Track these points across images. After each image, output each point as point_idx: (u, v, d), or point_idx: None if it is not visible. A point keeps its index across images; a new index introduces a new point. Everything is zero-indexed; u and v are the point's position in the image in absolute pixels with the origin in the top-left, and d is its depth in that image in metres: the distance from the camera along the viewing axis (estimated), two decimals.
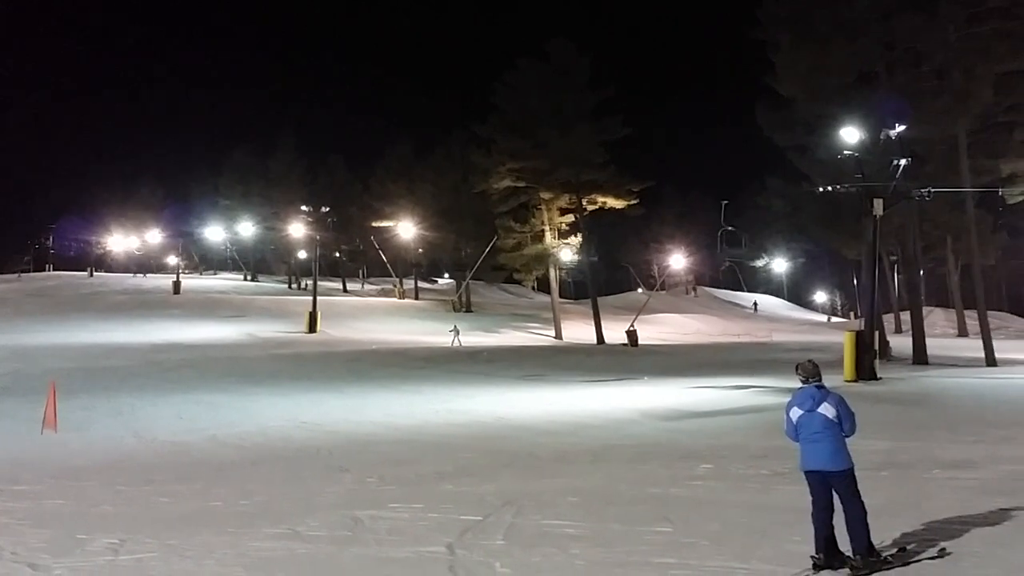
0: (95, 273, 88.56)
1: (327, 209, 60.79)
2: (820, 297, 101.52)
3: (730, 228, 48.67)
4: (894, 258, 58.64)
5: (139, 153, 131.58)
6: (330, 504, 12.15)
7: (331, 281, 79.55)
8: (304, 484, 14.08)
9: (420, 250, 74.58)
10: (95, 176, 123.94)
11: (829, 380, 8.44)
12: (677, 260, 79.35)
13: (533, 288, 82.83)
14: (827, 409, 7.96)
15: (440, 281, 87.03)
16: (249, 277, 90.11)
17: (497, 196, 56.11)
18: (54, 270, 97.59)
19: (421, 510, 11.40)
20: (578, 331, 53.65)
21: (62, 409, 21.41)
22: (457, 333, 45.08)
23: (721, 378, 30.37)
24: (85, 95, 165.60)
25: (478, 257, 66.04)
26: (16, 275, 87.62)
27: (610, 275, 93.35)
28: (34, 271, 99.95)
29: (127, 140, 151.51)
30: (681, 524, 10.18)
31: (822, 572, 7.76)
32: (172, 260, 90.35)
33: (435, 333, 51.83)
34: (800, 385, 8.20)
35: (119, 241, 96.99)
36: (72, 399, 23.90)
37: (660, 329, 58.62)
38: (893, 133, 31.34)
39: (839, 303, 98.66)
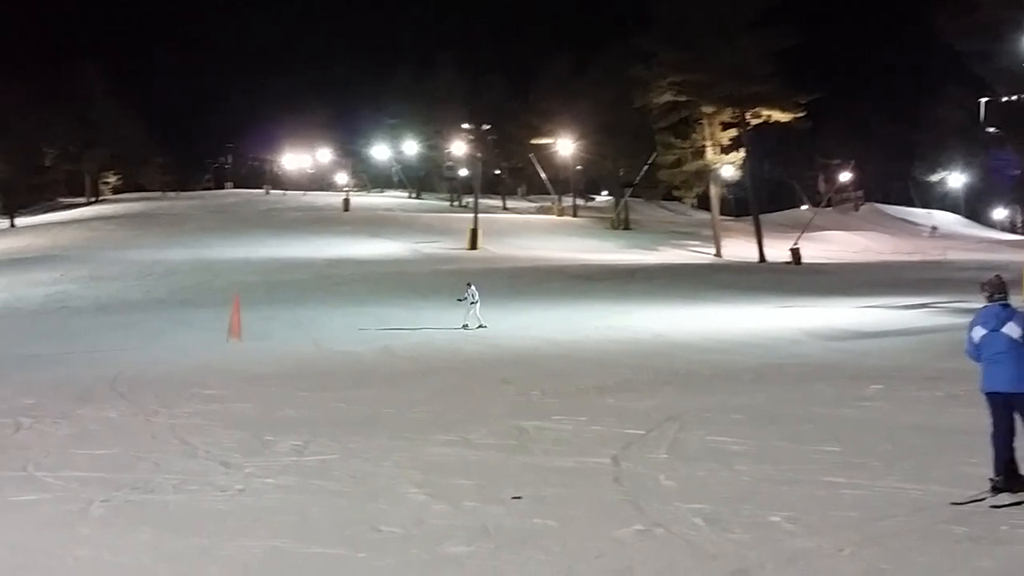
0: (271, 191, 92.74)
1: (487, 127, 61.17)
2: (999, 214, 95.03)
3: (993, 129, 45.30)
4: None
5: (308, 72, 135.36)
6: (496, 414, 12.58)
7: (491, 198, 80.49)
8: (471, 395, 14.61)
9: (579, 167, 74.25)
10: (269, 96, 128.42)
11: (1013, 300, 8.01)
12: (845, 175, 75.90)
13: (693, 205, 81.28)
14: (1012, 329, 7.55)
15: (598, 198, 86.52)
16: (413, 195, 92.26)
17: (657, 111, 54.93)
18: (235, 188, 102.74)
19: (584, 423, 11.65)
20: (739, 249, 52.49)
21: (245, 320, 22.86)
22: (473, 302, 25.18)
23: (891, 298, 29.22)
24: (258, 15, 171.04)
25: (637, 174, 65.18)
26: (200, 192, 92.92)
27: (773, 191, 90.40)
28: (214, 188, 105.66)
29: (297, 60, 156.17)
30: (850, 444, 10.01)
31: (1000, 495, 7.50)
32: (341, 178, 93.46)
33: (593, 250, 51.90)
34: (984, 303, 7.82)
35: (292, 159, 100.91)
36: (253, 310, 25.38)
37: (826, 247, 56.59)
38: None
39: (1021, 220, 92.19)
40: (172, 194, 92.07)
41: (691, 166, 55.92)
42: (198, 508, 8.52)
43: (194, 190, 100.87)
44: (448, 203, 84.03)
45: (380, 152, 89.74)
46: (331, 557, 6.93)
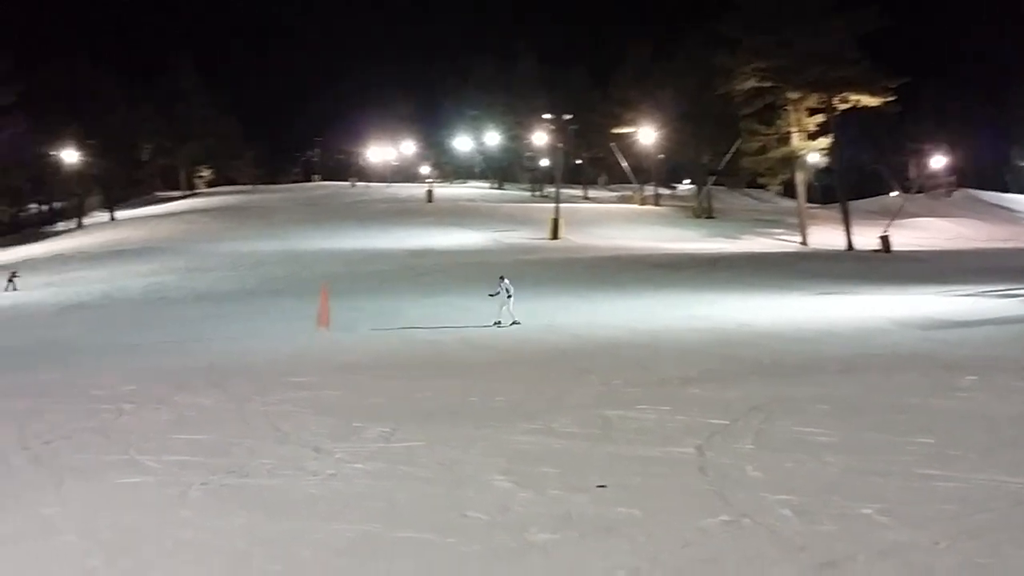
0: (356, 183, 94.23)
1: (568, 117, 61.03)
2: None
3: None
4: None
5: (393, 66, 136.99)
6: (579, 404, 12.63)
7: (572, 188, 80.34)
8: (553, 384, 14.67)
9: (660, 155, 73.55)
10: (355, 90, 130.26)
11: None
12: (937, 160, 73.47)
13: (778, 193, 79.74)
14: None
15: (680, 187, 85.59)
16: (495, 186, 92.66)
17: (741, 97, 53.99)
18: (322, 180, 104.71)
19: (668, 412, 11.62)
20: (826, 237, 51.38)
21: (333, 309, 23.34)
22: (509, 296, 23.44)
23: (986, 285, 28.25)
24: (344, 10, 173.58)
25: (720, 161, 64.25)
26: (287, 185, 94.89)
27: (861, 177, 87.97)
28: (302, 181, 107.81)
29: (382, 55, 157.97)
30: (945, 435, 9.78)
31: None
32: (425, 170, 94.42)
33: (676, 239, 51.41)
34: None
35: (377, 152, 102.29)
36: (341, 300, 25.86)
37: (916, 234, 54.98)
38: None
39: None
40: (262, 187, 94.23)
41: (776, 153, 54.84)
42: (291, 492, 8.79)
43: (283, 183, 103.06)
44: (529, 193, 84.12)
45: (462, 143, 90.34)
46: (420, 542, 7.08)
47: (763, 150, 55.87)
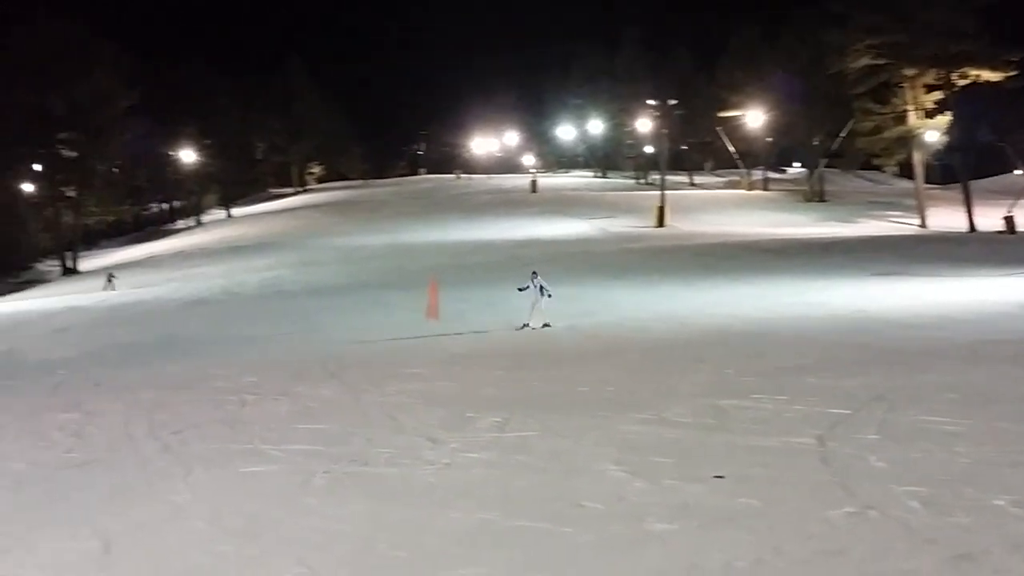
0: (461, 175, 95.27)
1: (673, 102, 60.25)
2: None
3: None
4: None
5: (496, 58, 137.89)
6: (691, 393, 12.48)
7: (678, 175, 79.36)
8: (664, 373, 14.54)
9: (769, 139, 71.94)
10: (459, 83, 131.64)
11: None
12: None
13: (894, 174, 77.05)
14: None
15: (790, 170, 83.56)
16: (599, 174, 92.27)
17: (853, 76, 52.31)
18: (428, 173, 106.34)
19: (785, 402, 11.37)
20: (946, 219, 49.39)
21: (441, 300, 23.62)
22: (543, 295, 21.57)
23: None
24: (445, 4, 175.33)
25: (832, 143, 62.43)
26: (395, 179, 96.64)
27: (984, 156, 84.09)
28: (409, 175, 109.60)
29: (485, 47, 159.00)
30: None
31: None
32: (528, 160, 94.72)
33: (786, 224, 50.24)
34: None
35: (481, 144, 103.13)
36: (449, 291, 26.16)
37: None
38: None
39: None
40: (372, 182, 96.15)
41: (892, 132, 52.96)
42: (410, 481, 8.96)
43: (390, 177, 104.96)
44: (634, 181, 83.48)
45: (565, 132, 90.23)
46: (537, 531, 7.13)
47: (878, 130, 54.05)
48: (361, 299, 28.95)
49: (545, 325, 21.04)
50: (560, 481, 8.46)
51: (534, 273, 21.80)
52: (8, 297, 43.70)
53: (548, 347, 18.64)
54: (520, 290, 21.75)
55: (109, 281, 38.43)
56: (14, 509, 9.42)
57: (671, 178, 65.64)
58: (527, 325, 21.02)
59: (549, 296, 21.33)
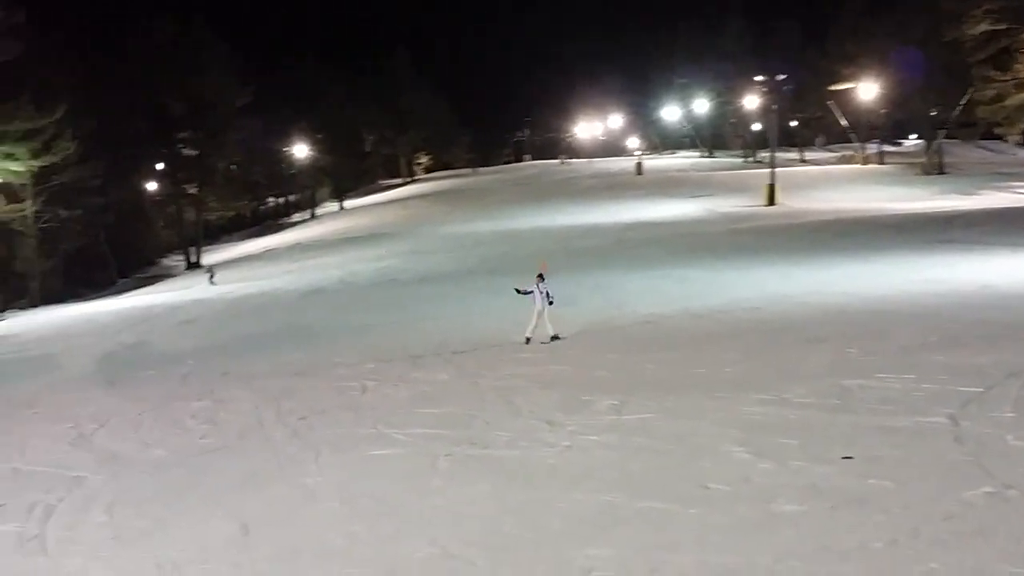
0: (565, 161, 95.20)
1: (782, 77, 58.71)
2: None
3: None
4: None
5: (598, 42, 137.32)
6: (813, 373, 12.20)
7: (788, 151, 77.42)
8: (782, 353, 14.25)
9: (883, 111, 69.44)
10: (562, 69, 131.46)
11: None
12: None
13: (1017, 143, 73.47)
14: None
15: (906, 143, 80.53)
16: (706, 154, 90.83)
17: (971, 43, 50.03)
18: (532, 160, 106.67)
19: (912, 380, 11.02)
20: None
21: (549, 285, 23.65)
22: (550, 302, 17.78)
23: None
24: None
25: (950, 113, 59.86)
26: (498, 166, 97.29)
27: None
28: (514, 162, 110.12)
29: (587, 32, 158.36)
30: None
31: None
32: (632, 142, 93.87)
33: (903, 199, 48.47)
34: None
35: (584, 128, 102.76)
36: (557, 276, 26.17)
37: None
38: None
39: None
40: (480, 170, 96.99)
41: (1015, 100, 50.47)
42: (531, 463, 9.07)
43: (495, 165, 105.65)
44: (742, 160, 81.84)
45: (670, 113, 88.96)
46: (662, 512, 7.13)
47: (999, 98, 51.62)
48: (470, 286, 29.25)
49: (555, 337, 17.38)
50: (683, 463, 8.42)
51: (540, 276, 17.97)
52: (137, 291, 45.81)
53: (660, 330, 18.48)
54: (519, 292, 18.07)
55: (211, 277, 40.22)
56: (154, 493, 9.93)
57: (781, 155, 64.00)
58: (528, 340, 17.32)
59: (551, 303, 17.62)
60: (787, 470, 7.82)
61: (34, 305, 45.72)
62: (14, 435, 13.93)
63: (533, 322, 17.48)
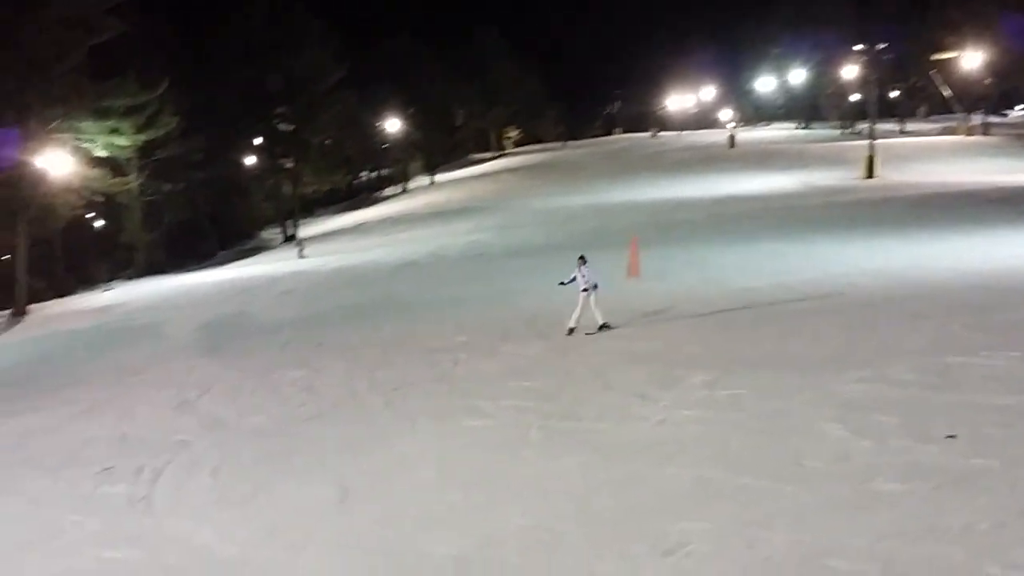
0: (657, 134, 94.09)
1: (882, 46, 56.77)
2: None
3: None
4: None
5: (691, 13, 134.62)
6: (913, 350, 11.87)
7: (887, 123, 75.00)
8: (880, 330, 13.89)
9: (988, 81, 66.62)
10: (653, 41, 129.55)
11: None
12: None
13: None
14: None
15: (1012, 113, 77.19)
16: (801, 126, 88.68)
17: None
18: (623, 133, 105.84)
19: (1019, 359, 10.64)
20: None
21: (641, 259, 23.50)
22: (586, 288, 16.06)
23: None
24: None
25: None
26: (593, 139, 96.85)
27: None
28: (604, 135, 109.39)
29: (678, 2, 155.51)
30: None
31: None
32: (725, 115, 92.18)
33: (1011, 171, 46.47)
34: None
35: (675, 100, 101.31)
36: (648, 250, 25.96)
37: None
38: None
39: None
40: (570, 143, 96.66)
41: None
42: (622, 437, 9.08)
43: (585, 138, 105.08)
44: (839, 131, 79.62)
45: (765, 84, 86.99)
46: (758, 489, 7.07)
47: None
48: (560, 260, 29.16)
49: (604, 327, 15.73)
50: (778, 440, 8.32)
51: (582, 259, 16.42)
52: (236, 263, 47.17)
53: (753, 305, 18.19)
54: (562, 284, 16.62)
55: (300, 250, 41.22)
56: (256, 459, 10.28)
57: (880, 126, 62.01)
58: (572, 330, 15.76)
59: (595, 287, 16.08)
60: (887, 449, 7.65)
61: (139, 276, 47.60)
62: (122, 401, 14.58)
63: (578, 310, 15.80)
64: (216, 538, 7.88)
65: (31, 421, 14.16)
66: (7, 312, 37.26)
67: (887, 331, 13.67)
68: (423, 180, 79.23)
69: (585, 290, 15.86)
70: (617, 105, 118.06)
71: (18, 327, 31.87)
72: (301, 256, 40.15)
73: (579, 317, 15.69)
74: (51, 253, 49.96)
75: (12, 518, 9.36)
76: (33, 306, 37.65)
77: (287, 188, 63.59)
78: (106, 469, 10.57)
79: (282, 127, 61.47)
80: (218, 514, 8.54)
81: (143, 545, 8.00)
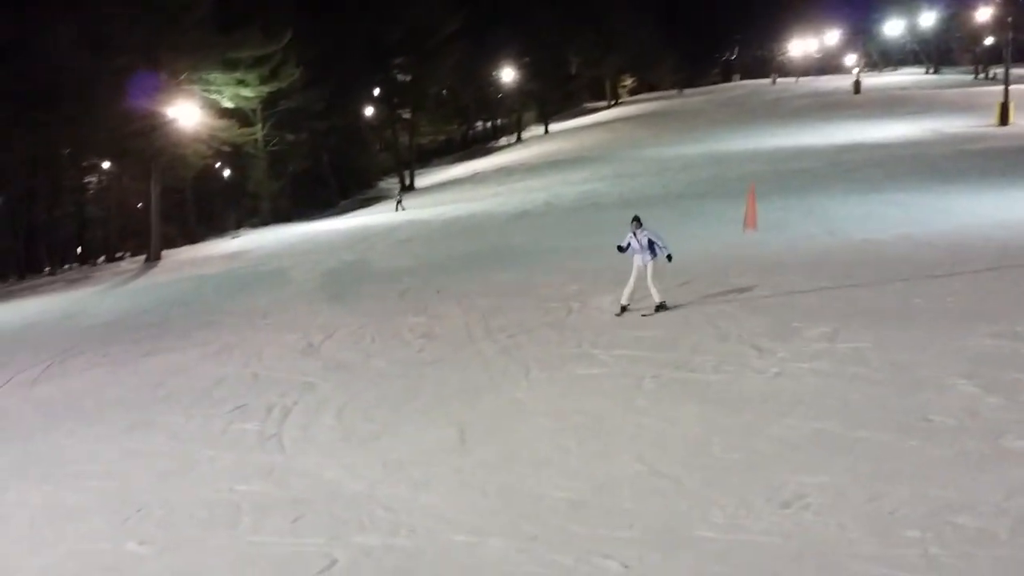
0: (777, 80, 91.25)
1: None
2: None
3: None
4: None
5: None
6: None
7: (1022, 68, 70.80)
8: (1015, 284, 13.31)
9: None
10: None
11: None
12: None
13: None
14: None
15: None
16: (931, 70, 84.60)
17: None
18: (741, 79, 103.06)
19: None
20: None
21: (759, 210, 23.00)
22: (651, 255, 13.53)
23: None
24: None
25: None
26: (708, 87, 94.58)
27: None
28: (722, 82, 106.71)
29: None
30: None
31: None
32: (850, 60, 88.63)
33: None
34: None
35: (797, 45, 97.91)
36: (766, 200, 25.35)
37: None
38: None
39: None
40: (688, 91, 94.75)
41: None
42: (738, 388, 9.03)
43: (702, 85, 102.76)
44: (971, 76, 75.61)
45: (893, 28, 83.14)
46: (879, 443, 6.96)
47: None
48: (675, 210, 28.86)
49: (660, 307, 13.33)
50: (903, 394, 8.14)
51: (636, 220, 13.87)
52: (357, 212, 48.29)
53: (877, 256, 17.63)
54: (622, 249, 13.93)
55: (399, 203, 41.95)
56: (378, 400, 10.65)
57: (1015, 71, 58.66)
58: (625, 308, 13.55)
59: (669, 257, 13.49)
60: (1019, 405, 7.41)
61: (265, 223, 49.29)
62: (252, 343, 15.25)
63: (631, 284, 13.43)
64: (343, 474, 8.24)
65: (168, 361, 14.97)
66: (142, 257, 39.26)
67: (1022, 285, 13.10)
68: (537, 130, 79.06)
69: (654, 254, 13.30)
70: (736, 51, 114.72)
71: (152, 272, 33.55)
72: (399, 209, 40.82)
73: (632, 293, 13.45)
74: (183, 202, 52.20)
75: (155, 452, 9.98)
76: (166, 252, 39.54)
77: (404, 138, 64.47)
78: (238, 407, 11.13)
79: (400, 78, 62.16)
80: (344, 452, 8.92)
81: (274, 479, 8.44)
